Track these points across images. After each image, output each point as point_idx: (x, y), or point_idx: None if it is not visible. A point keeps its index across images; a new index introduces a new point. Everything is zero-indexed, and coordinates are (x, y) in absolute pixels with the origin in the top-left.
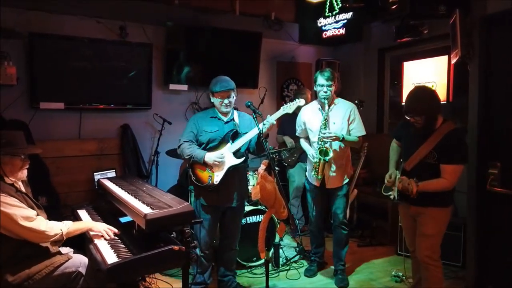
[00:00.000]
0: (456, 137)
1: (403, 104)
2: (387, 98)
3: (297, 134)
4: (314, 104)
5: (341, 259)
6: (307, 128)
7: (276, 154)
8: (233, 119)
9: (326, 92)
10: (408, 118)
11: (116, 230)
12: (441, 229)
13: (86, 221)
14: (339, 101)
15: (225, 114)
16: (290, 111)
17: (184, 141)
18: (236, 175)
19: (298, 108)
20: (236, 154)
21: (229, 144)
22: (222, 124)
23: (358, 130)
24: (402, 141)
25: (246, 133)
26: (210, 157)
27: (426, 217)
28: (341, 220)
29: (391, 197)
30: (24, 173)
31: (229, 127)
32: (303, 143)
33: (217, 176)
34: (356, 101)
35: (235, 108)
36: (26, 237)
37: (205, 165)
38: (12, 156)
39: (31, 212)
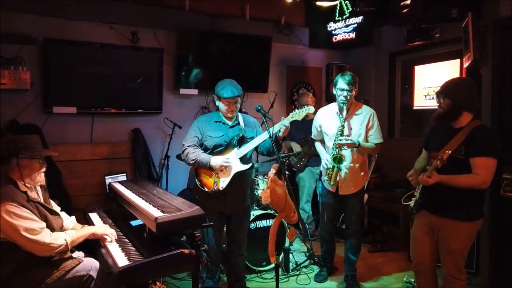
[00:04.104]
0: (483, 130)
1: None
2: (398, 103)
3: (312, 136)
4: (332, 107)
5: (352, 265)
6: (323, 132)
7: (286, 158)
8: (238, 123)
9: (346, 96)
10: (436, 101)
11: (115, 235)
12: (466, 244)
13: (88, 227)
14: (358, 106)
15: (230, 118)
16: (299, 118)
17: (189, 146)
18: (242, 180)
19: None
20: (243, 159)
21: (235, 149)
22: (227, 129)
23: (375, 137)
24: (430, 145)
25: (252, 137)
26: (216, 161)
27: (450, 230)
28: (354, 227)
29: (411, 204)
30: (42, 177)
31: (235, 132)
32: (318, 146)
33: (223, 182)
34: (362, 101)
35: (239, 111)
36: (29, 249)
37: (210, 170)
38: (30, 159)
39: (38, 225)
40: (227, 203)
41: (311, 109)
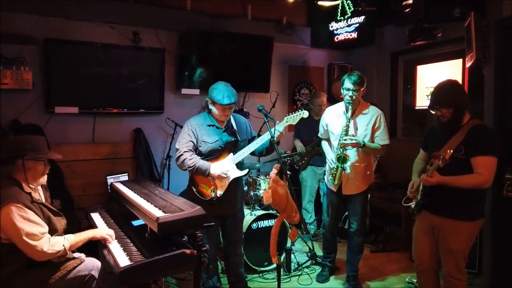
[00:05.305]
0: (482, 129)
1: (429, 98)
2: (400, 102)
3: (319, 135)
4: (340, 106)
5: (355, 265)
6: (329, 131)
7: (288, 158)
8: (231, 126)
9: (352, 96)
10: (434, 112)
11: (114, 236)
12: (467, 244)
13: (87, 231)
14: (365, 106)
15: (223, 122)
16: (294, 123)
17: (185, 152)
18: (236, 184)
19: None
20: (238, 164)
21: (231, 154)
22: (221, 133)
23: (381, 138)
24: (429, 145)
25: (245, 140)
26: (215, 170)
27: (450, 230)
28: (358, 227)
29: (412, 206)
30: (45, 178)
31: (228, 135)
32: (324, 145)
33: (220, 189)
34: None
35: (235, 111)
36: (26, 252)
37: (208, 177)
38: (36, 162)
39: (40, 229)
40: (222, 207)
41: (305, 113)
